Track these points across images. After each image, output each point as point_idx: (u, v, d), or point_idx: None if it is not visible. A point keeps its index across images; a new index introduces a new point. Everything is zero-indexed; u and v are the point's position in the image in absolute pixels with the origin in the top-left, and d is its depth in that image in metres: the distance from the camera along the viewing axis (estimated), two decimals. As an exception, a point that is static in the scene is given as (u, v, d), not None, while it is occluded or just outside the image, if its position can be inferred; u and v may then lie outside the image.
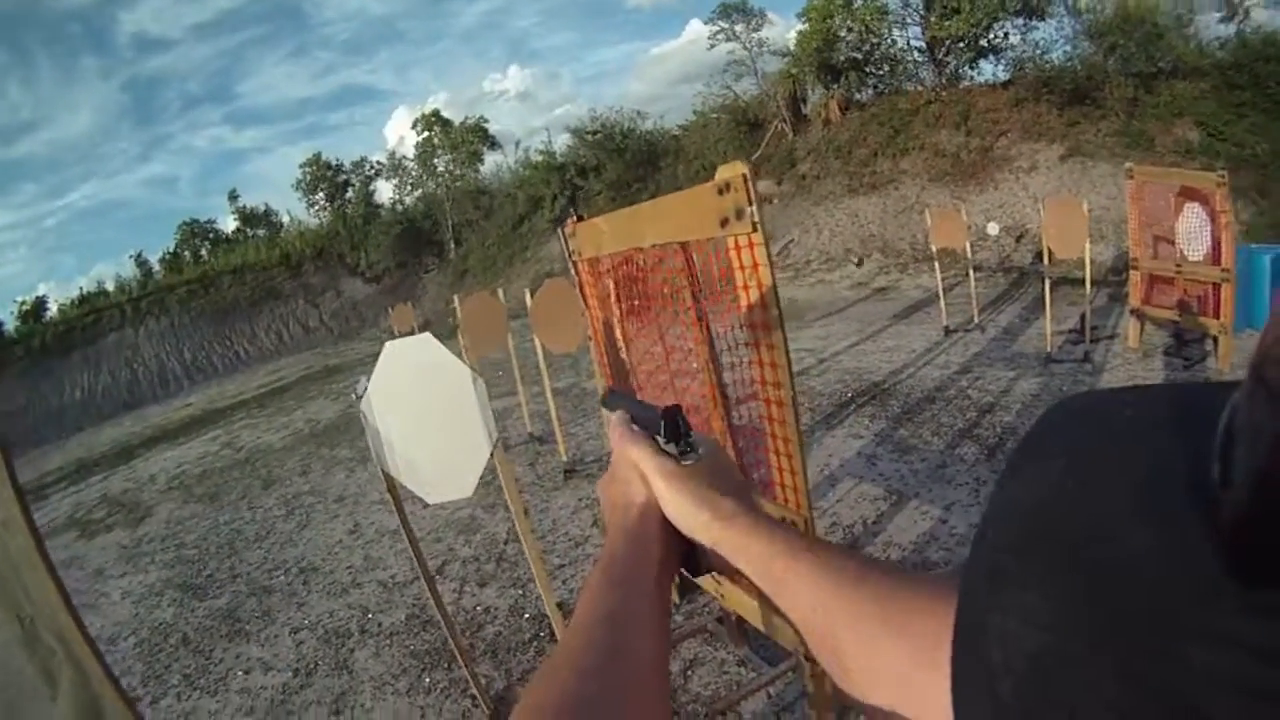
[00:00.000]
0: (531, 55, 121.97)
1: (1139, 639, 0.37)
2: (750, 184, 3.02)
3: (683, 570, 1.13)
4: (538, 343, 9.74)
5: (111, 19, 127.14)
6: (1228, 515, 0.36)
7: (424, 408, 4.20)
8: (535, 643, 6.06)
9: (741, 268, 3.24)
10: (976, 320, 14.89)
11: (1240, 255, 10.32)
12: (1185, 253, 10.36)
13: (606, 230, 4.54)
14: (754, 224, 3.04)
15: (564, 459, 9.93)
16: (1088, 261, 11.25)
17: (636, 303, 5.07)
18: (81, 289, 53.26)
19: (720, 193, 3.11)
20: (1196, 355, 10.79)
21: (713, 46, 37.71)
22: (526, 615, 6.50)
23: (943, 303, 14.64)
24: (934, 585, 0.77)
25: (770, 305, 3.19)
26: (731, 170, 3.04)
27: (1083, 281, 11.75)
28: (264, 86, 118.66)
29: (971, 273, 14.81)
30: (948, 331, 14.48)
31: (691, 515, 1.05)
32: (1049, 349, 11.83)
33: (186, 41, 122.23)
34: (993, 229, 18.09)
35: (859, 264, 23.22)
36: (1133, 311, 11.40)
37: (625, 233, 4.34)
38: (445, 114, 51.29)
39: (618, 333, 5.23)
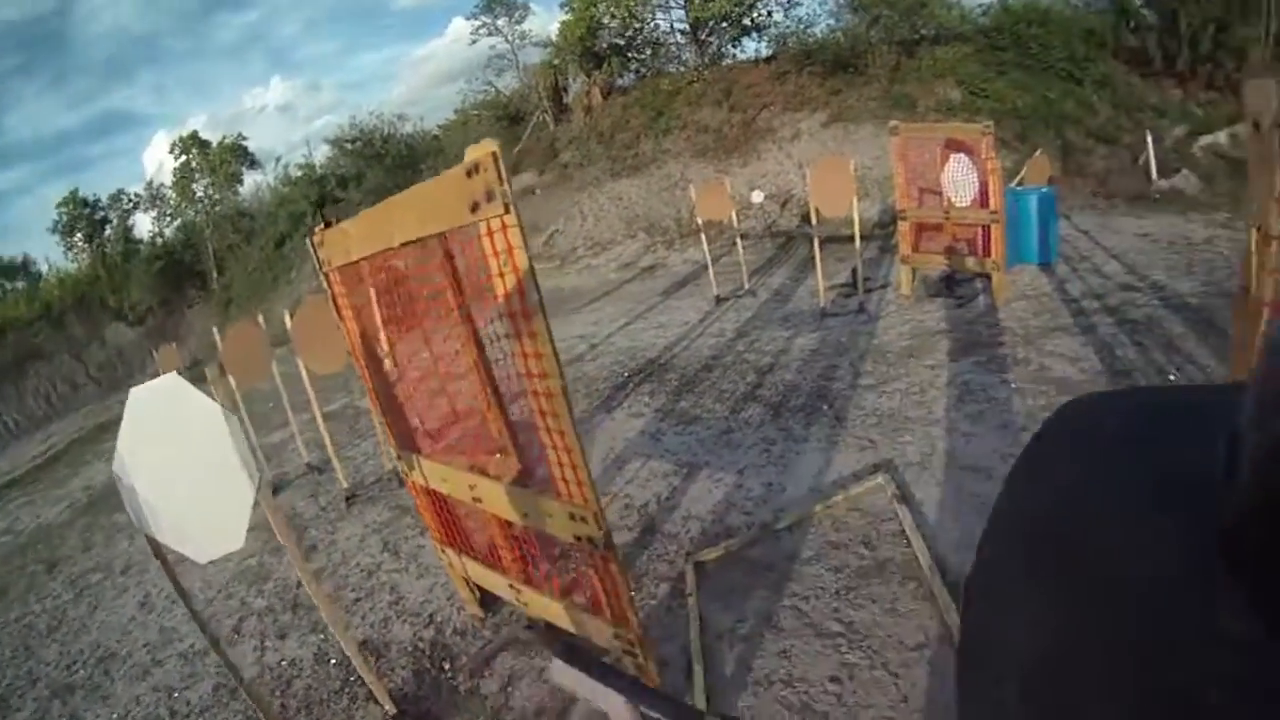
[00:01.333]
0: (293, 66, 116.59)
1: (1143, 641, 0.38)
2: (500, 163, 2.89)
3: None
4: (302, 366, 8.87)
5: None
6: (1230, 518, 0.37)
7: (178, 456, 3.71)
8: (346, 689, 5.40)
9: (496, 254, 3.11)
10: (747, 286, 14.63)
11: (1008, 198, 10.74)
12: (953, 200, 10.64)
13: (353, 233, 4.22)
14: (505, 204, 2.91)
15: (344, 486, 9.10)
16: (856, 217, 10.97)
17: (399, 309, 4.87)
18: None
19: (469, 175, 2.97)
20: (969, 294, 10.82)
21: (474, 42, 36.77)
22: (333, 661, 5.83)
23: (711, 272, 14.27)
24: None
25: (529, 291, 3.09)
26: (480, 150, 2.92)
27: (851, 238, 11.49)
28: (21, 121, 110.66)
29: (739, 241, 14.55)
30: (719, 300, 14.14)
31: None
32: (822, 304, 11.48)
33: None
34: (757, 197, 17.89)
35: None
36: (903, 260, 11.40)
37: (374, 234, 4.02)
38: (205, 135, 48.63)
39: (383, 342, 4.92)
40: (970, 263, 10.67)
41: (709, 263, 14.22)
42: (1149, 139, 18.15)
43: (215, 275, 44.09)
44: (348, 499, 8.95)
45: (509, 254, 3.02)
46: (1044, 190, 12.02)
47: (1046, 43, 23.12)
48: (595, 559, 3.68)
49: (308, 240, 4.88)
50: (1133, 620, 0.38)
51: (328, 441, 9.22)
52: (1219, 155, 18.63)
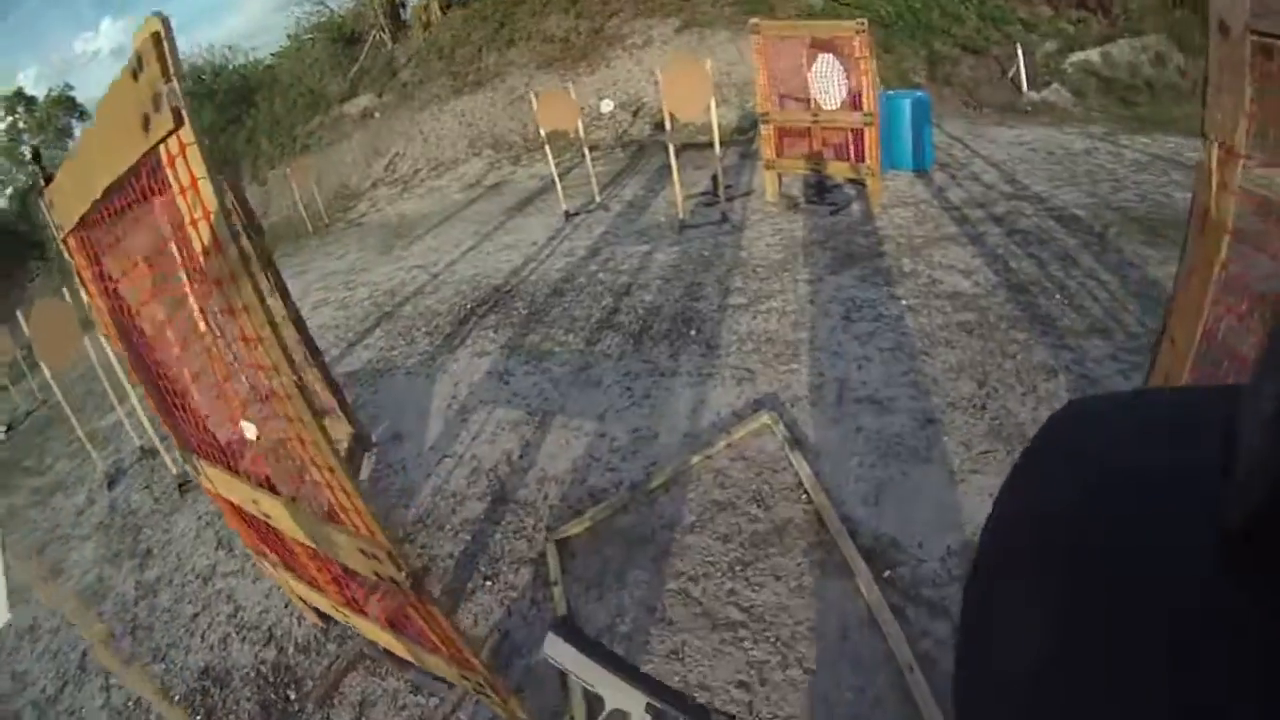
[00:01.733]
0: (122, 6, 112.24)
1: (1149, 641, 0.37)
2: (165, 45, 2.08)
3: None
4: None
5: None
6: (1233, 517, 0.36)
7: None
8: (198, 720, 4.55)
9: (182, 191, 2.26)
10: (599, 199, 13.65)
11: (880, 101, 10.40)
12: (821, 103, 10.06)
13: (69, 187, 3.22)
14: (176, 112, 2.12)
15: (174, 472, 8.04)
16: (715, 121, 10.10)
17: (134, 277, 3.67)
18: None
19: (134, 77, 2.17)
20: (841, 201, 10.21)
21: None
22: (176, 697, 4.91)
23: (559, 186, 13.22)
24: None
25: (225, 243, 2.23)
26: (141, 33, 2.08)
27: (709, 145, 10.72)
28: None
29: (587, 152, 13.41)
30: (568, 216, 13.15)
31: None
32: (681, 216, 10.63)
33: None
34: (606, 105, 17.35)
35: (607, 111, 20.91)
36: (767, 165, 10.73)
37: (82, 184, 2.98)
38: (38, 88, 45.78)
39: (141, 318, 3.78)
40: (842, 168, 10.02)
41: (555, 176, 13.24)
42: (1019, 51, 17.97)
43: (58, 244, 41.22)
44: (180, 486, 7.98)
45: (194, 189, 2.18)
46: (919, 94, 11.55)
47: None
48: (410, 600, 2.82)
49: (40, 201, 3.96)
50: (1136, 623, 0.37)
51: (148, 427, 8.38)
52: (1090, 72, 18.94)
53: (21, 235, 42.58)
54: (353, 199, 24.22)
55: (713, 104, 9.88)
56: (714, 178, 11.27)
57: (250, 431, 3.74)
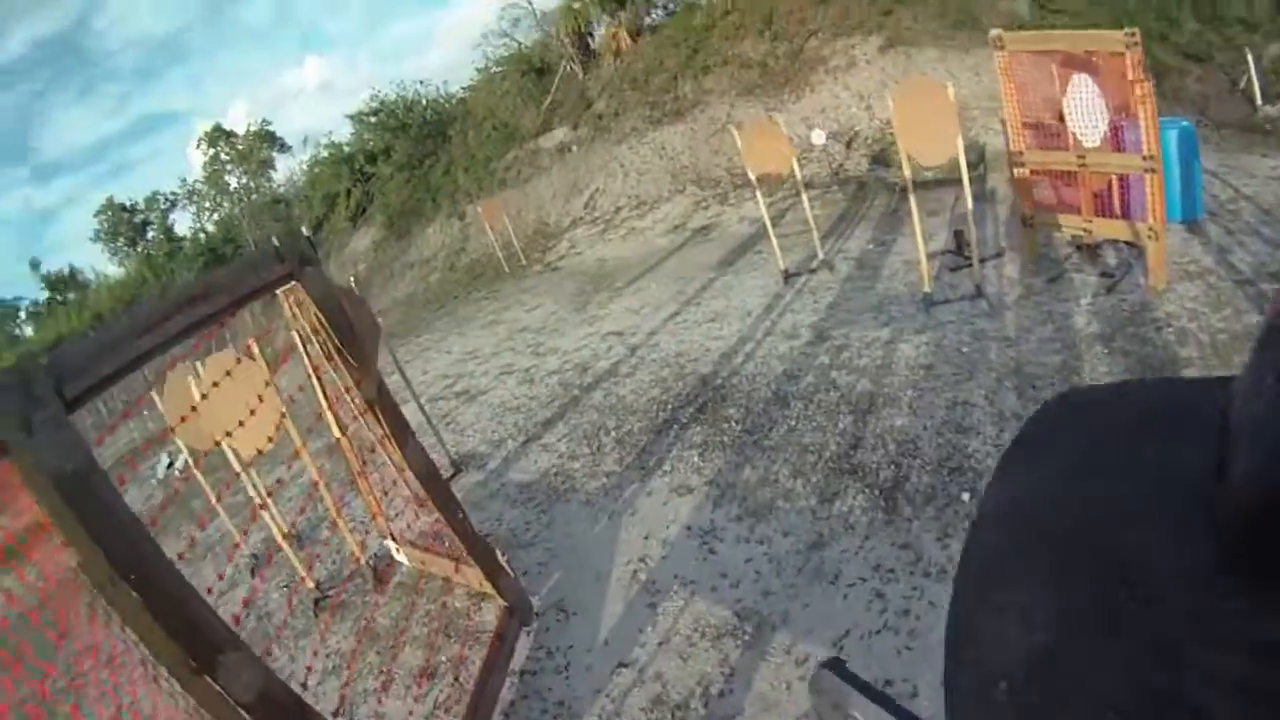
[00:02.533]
0: (324, 44, 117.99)
1: (1140, 639, 0.38)
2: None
3: None
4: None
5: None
6: (1227, 514, 0.37)
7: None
8: None
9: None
10: (821, 256, 11.62)
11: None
12: (1079, 137, 7.83)
13: None
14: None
15: (310, 584, 7.22)
16: (963, 162, 8.05)
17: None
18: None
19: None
20: (1115, 269, 8.15)
21: None
22: None
23: (775, 241, 11.28)
24: None
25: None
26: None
27: (940, 182, 8.93)
28: (60, 134, 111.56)
29: (805, 196, 11.12)
30: (788, 277, 11.33)
31: None
32: (926, 286, 8.67)
33: None
34: (818, 138, 16.03)
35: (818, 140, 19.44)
36: (1026, 221, 8.70)
37: None
38: (248, 121, 48.19)
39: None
40: (1116, 227, 7.90)
41: (769, 226, 11.34)
42: (1249, 58, 15.70)
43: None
44: (316, 602, 7.12)
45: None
46: (1182, 123, 9.03)
47: None
48: None
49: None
50: (1130, 618, 0.37)
51: (277, 521, 7.50)
52: None
53: (228, 258, 44.30)
54: (552, 238, 23.53)
55: (960, 143, 7.91)
56: (958, 234, 9.56)
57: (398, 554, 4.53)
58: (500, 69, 33.46)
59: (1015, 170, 8.61)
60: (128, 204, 51.53)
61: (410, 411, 9.18)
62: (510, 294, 19.05)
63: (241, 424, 5.82)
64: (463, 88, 36.67)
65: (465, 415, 10.48)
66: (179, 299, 3.31)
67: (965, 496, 5.19)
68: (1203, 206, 9.22)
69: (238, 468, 6.91)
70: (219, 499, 6.15)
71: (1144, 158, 7.24)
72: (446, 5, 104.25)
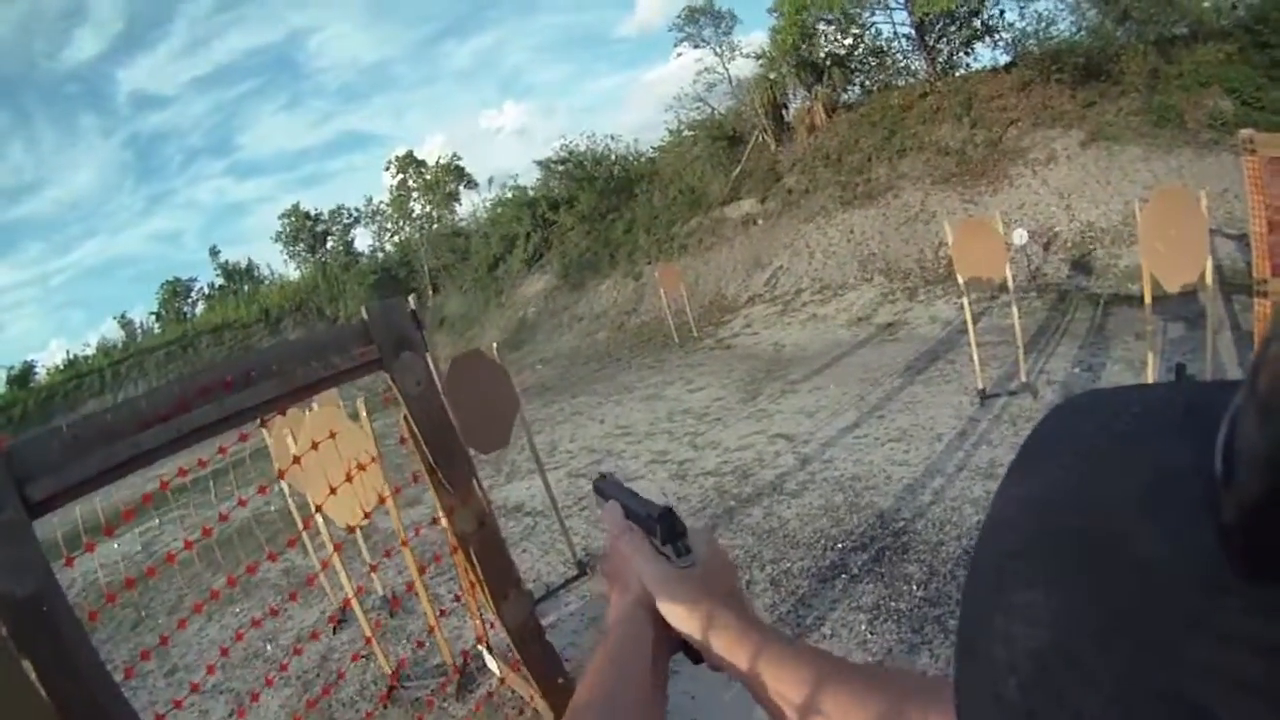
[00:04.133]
0: (526, 90, 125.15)
1: (1143, 637, 0.38)
2: None
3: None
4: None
5: (109, 78, 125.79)
6: (1231, 514, 0.37)
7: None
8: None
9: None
10: (1024, 377, 10.56)
11: None
12: None
13: None
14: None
15: (385, 670, 6.91)
16: (1212, 287, 7.66)
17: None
18: (85, 346, 55.20)
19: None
20: None
21: (679, 54, 35.53)
22: None
23: (975, 354, 10.28)
24: (920, 681, 0.85)
25: None
26: None
27: (1141, 299, 8.20)
28: (262, 137, 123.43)
29: (1015, 307, 10.39)
30: (984, 398, 10.33)
31: (682, 620, 1.08)
32: None
33: (184, 97, 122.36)
34: (1019, 237, 15.32)
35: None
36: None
37: None
38: (443, 154, 49.50)
39: None
40: None
41: (972, 337, 10.23)
42: None
43: (431, 293, 44.53)
44: (389, 690, 6.66)
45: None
46: None
47: None
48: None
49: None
50: (1133, 617, 0.38)
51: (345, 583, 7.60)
52: None
53: (401, 281, 47.09)
54: (727, 312, 23.21)
55: (1209, 267, 7.51)
56: (1179, 368, 8.52)
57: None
58: (691, 133, 33.71)
59: (1257, 301, 7.31)
60: (312, 212, 54.16)
61: (538, 489, 8.93)
62: (676, 367, 18.71)
63: (333, 491, 5.61)
64: (653, 147, 37.04)
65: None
66: (204, 382, 2.74)
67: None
68: None
69: (327, 543, 6.22)
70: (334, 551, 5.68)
71: None
72: (647, 65, 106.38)
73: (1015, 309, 10.36)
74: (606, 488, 1.38)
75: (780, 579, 6.87)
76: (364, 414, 6.22)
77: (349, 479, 5.54)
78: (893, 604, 6.09)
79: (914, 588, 6.24)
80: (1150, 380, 7.85)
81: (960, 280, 10.19)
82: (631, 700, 1.01)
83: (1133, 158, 19.22)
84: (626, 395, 16.84)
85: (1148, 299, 7.87)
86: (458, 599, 6.76)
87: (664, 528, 1.16)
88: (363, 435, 6.12)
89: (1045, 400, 10.08)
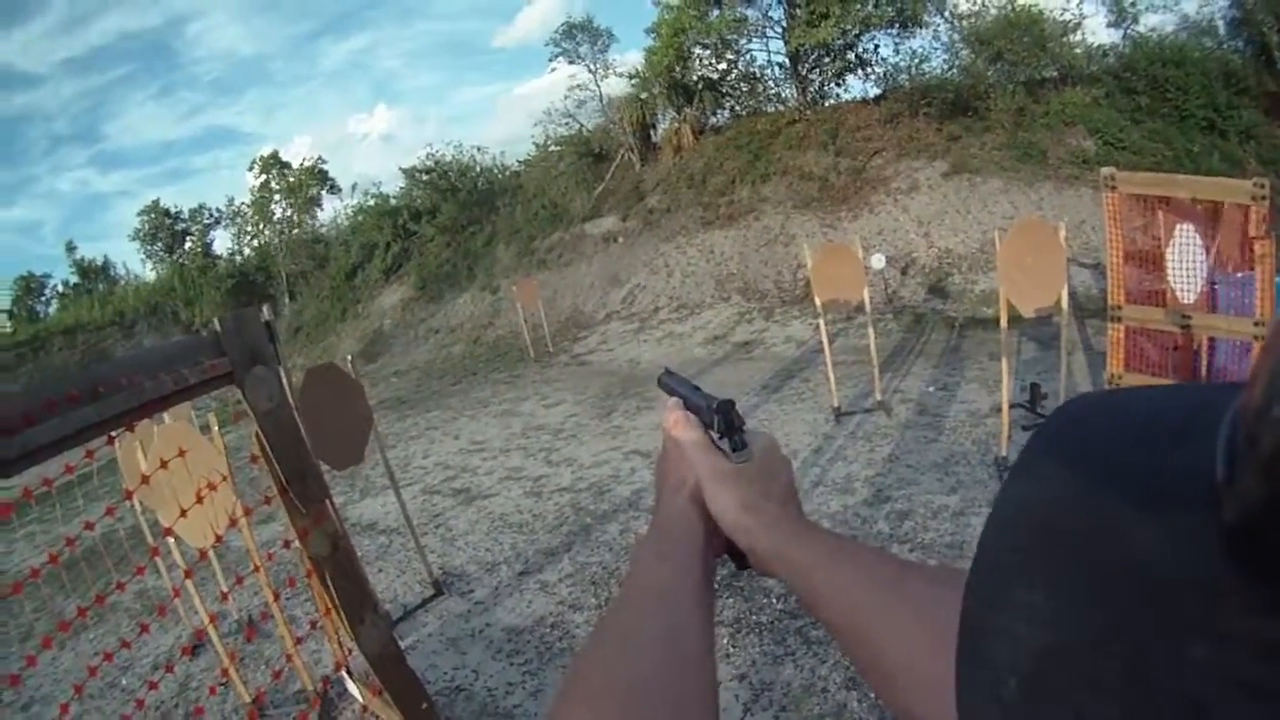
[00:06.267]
0: (397, 96, 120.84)
1: (1143, 638, 0.37)
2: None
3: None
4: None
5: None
6: (1233, 514, 0.36)
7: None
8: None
9: None
10: (879, 396, 10.67)
11: (1224, 289, 7.50)
12: (1177, 293, 7.29)
13: None
14: None
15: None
16: (1066, 310, 7.83)
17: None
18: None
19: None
20: None
21: (554, 70, 35.12)
22: None
23: (831, 373, 10.43)
24: None
25: None
26: None
27: (995, 320, 8.40)
28: (128, 127, 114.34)
29: (871, 328, 10.38)
30: (839, 415, 10.41)
31: (733, 518, 1.06)
32: (1002, 449, 7.93)
33: (54, 77, 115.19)
34: (878, 261, 15.60)
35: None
36: (1109, 380, 7.86)
37: None
38: (307, 157, 48.36)
39: None
40: None
41: (829, 357, 10.37)
42: None
43: (287, 300, 43.11)
44: None
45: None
46: None
47: (1184, 86, 22.13)
48: None
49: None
50: (1134, 617, 0.37)
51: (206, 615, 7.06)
52: None
53: (258, 286, 45.63)
54: (584, 329, 23.00)
55: (1065, 295, 7.74)
56: (1034, 387, 9.11)
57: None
58: (558, 148, 33.48)
59: (1112, 326, 7.71)
60: (173, 210, 51.94)
61: (393, 506, 8.39)
62: (531, 383, 18.39)
63: (184, 513, 5.23)
64: (519, 161, 36.77)
65: (460, 521, 9.40)
66: (49, 396, 2.56)
67: None
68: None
69: (180, 563, 6.17)
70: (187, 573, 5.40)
71: (1255, 323, 6.61)
72: (521, 78, 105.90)
73: (871, 330, 10.41)
74: (670, 381, 1.35)
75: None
76: (216, 429, 5.90)
77: (199, 500, 5.21)
78: (753, 617, 6.04)
79: (774, 600, 6.20)
80: (1005, 395, 8.10)
81: (818, 302, 10.26)
82: (687, 599, 0.97)
83: (993, 189, 19.99)
84: (481, 410, 16.52)
85: (1004, 323, 7.94)
86: (314, 625, 6.34)
87: (722, 419, 1.14)
88: (214, 452, 5.78)
89: (899, 418, 10.17)
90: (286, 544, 4.20)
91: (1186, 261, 7.22)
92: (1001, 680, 0.43)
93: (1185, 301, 7.23)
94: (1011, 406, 8.69)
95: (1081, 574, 0.40)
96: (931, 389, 11.34)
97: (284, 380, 3.25)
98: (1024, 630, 0.42)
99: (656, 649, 0.88)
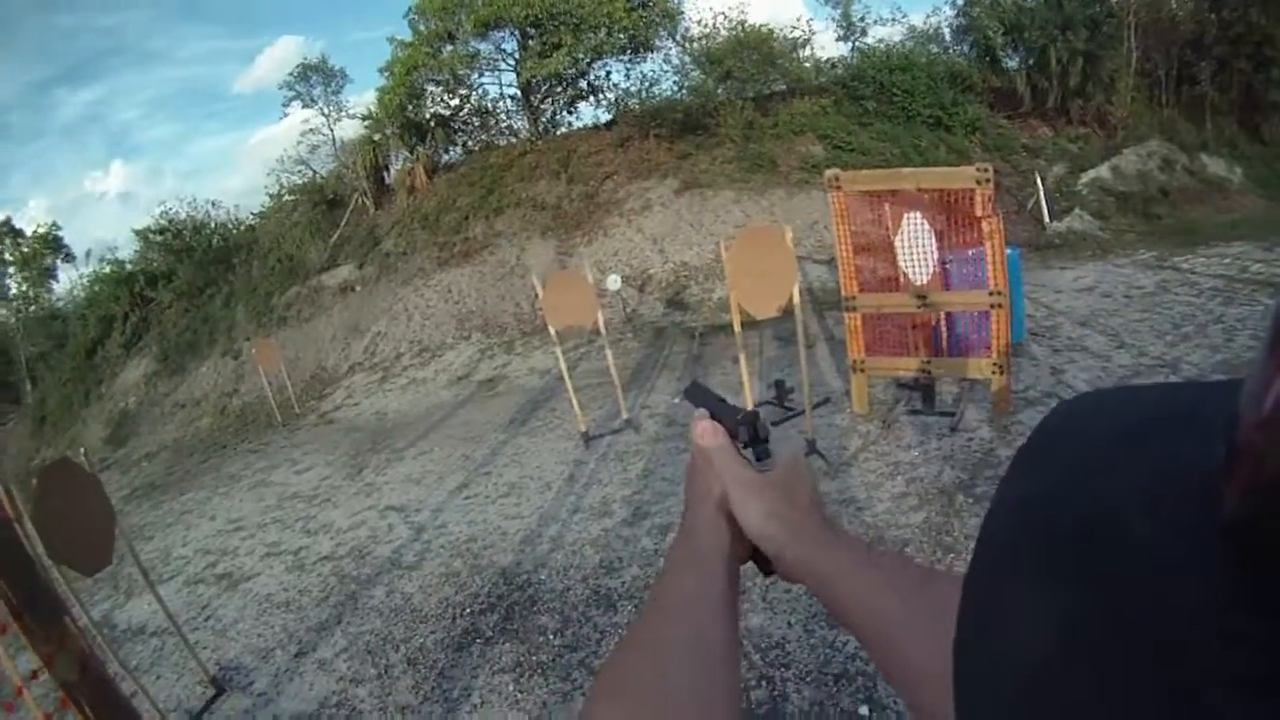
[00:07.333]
0: (134, 150, 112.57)
1: (1144, 635, 0.38)
2: None
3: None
4: None
5: None
6: (1234, 512, 0.37)
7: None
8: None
9: None
10: (625, 414, 10.81)
11: (952, 263, 8.67)
12: (910, 277, 8.15)
13: None
14: None
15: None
16: (799, 313, 7.95)
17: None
18: None
19: None
20: (954, 407, 8.34)
21: (287, 114, 34.32)
22: None
23: (574, 400, 10.40)
24: None
25: None
26: None
27: (730, 326, 8.63)
28: None
29: (609, 350, 10.51)
30: (588, 439, 10.42)
31: (758, 526, 1.06)
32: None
33: None
34: (613, 282, 15.99)
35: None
36: (855, 367, 8.65)
37: None
38: (41, 223, 44.50)
39: None
40: (958, 364, 8.24)
41: (569, 384, 10.49)
42: (1039, 181, 18.70)
43: (29, 387, 39.24)
44: None
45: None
46: (1009, 251, 8.91)
47: (911, 89, 23.83)
48: None
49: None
50: (1135, 615, 0.38)
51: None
52: (1105, 190, 20.36)
53: None
54: (329, 384, 22.32)
55: (797, 292, 7.75)
56: (779, 383, 9.47)
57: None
58: (292, 197, 32.25)
59: (847, 315, 8.55)
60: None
61: (152, 605, 7.92)
62: (281, 449, 17.60)
63: None
64: (253, 214, 35.34)
65: (228, 610, 8.69)
66: None
67: (864, 710, 4.43)
68: (1024, 330, 9.69)
69: None
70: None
71: (991, 293, 7.62)
72: (258, 125, 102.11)
73: (609, 352, 10.50)
74: (696, 394, 1.30)
75: (416, 657, 6.47)
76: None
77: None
78: (534, 658, 5.97)
79: (551, 638, 6.17)
80: (748, 395, 8.51)
81: (552, 331, 10.32)
82: (713, 606, 0.97)
83: (725, 201, 20.72)
84: (234, 485, 15.59)
85: (737, 328, 8.29)
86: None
87: (747, 429, 1.11)
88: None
89: (648, 433, 10.41)
90: (35, 675, 3.81)
91: (918, 246, 7.92)
92: (999, 679, 0.43)
93: (919, 283, 7.95)
94: (759, 405, 9.00)
95: (1081, 572, 0.40)
96: (677, 400, 11.32)
97: (4, 493, 2.78)
98: (1023, 629, 0.42)
99: (683, 652, 0.90)
